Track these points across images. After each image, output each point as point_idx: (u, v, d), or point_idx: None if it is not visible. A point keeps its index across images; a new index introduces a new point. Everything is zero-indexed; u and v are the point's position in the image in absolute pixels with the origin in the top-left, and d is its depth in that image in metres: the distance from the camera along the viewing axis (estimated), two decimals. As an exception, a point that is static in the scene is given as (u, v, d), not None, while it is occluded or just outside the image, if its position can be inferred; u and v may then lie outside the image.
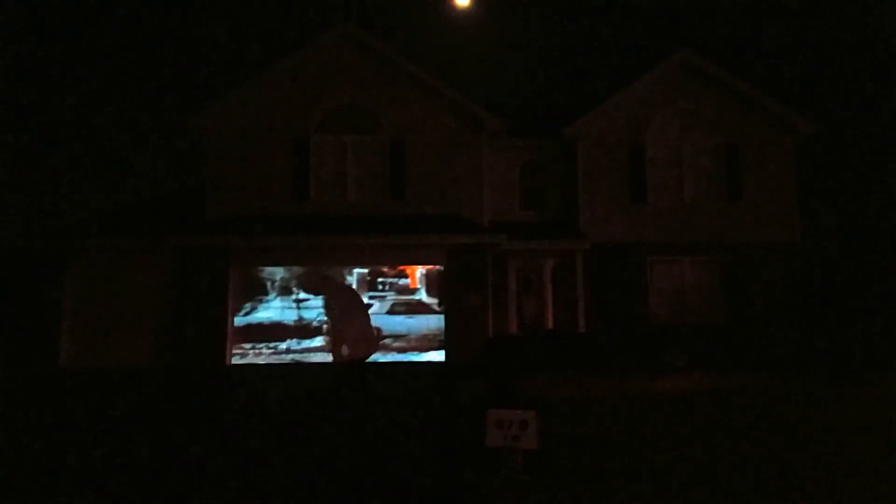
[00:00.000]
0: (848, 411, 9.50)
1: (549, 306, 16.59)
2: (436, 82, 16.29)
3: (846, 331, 16.07)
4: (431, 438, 7.87)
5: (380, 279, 15.78)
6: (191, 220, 15.97)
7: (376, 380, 13.30)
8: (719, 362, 15.27)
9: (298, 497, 5.90)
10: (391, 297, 15.70)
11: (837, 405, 10.04)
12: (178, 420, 9.46)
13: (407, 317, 15.58)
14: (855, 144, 26.80)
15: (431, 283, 15.65)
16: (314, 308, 15.58)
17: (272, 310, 15.58)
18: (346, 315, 15.58)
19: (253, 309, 15.54)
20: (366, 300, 15.68)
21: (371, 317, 15.59)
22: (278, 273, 15.76)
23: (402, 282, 15.81)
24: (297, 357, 15.35)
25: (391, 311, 15.61)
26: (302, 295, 15.62)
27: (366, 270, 15.78)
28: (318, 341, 15.53)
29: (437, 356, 15.22)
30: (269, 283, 15.71)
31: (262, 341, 15.39)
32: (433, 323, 15.47)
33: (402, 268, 15.83)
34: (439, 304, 15.46)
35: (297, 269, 15.81)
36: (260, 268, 15.71)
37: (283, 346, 15.42)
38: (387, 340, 15.52)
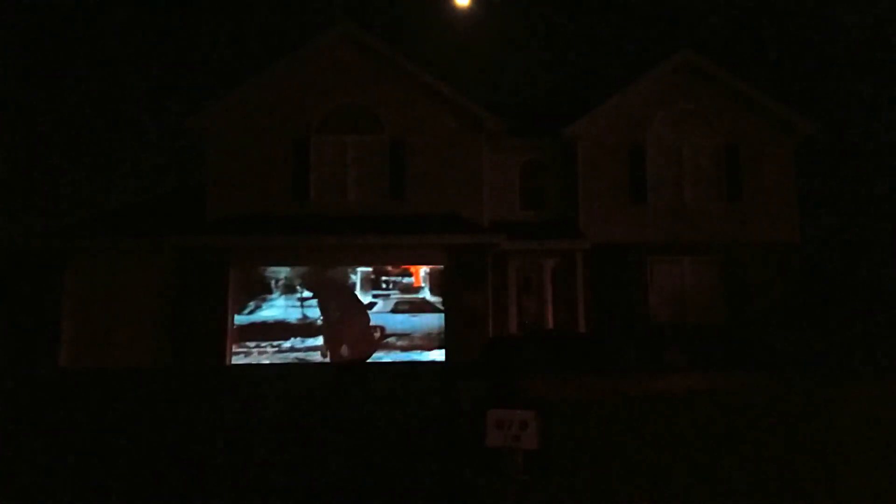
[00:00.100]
0: (848, 411, 9.50)
1: (549, 306, 16.59)
2: (436, 82, 16.29)
3: (846, 331, 16.06)
4: (431, 438, 7.87)
5: (384, 277, 15.80)
6: (191, 220, 15.97)
7: (376, 380, 13.30)
8: (719, 362, 15.25)
9: (298, 497, 5.90)
10: (395, 295, 15.71)
11: (837, 405, 10.04)
12: (178, 420, 9.46)
13: (411, 315, 15.59)
14: (855, 144, 26.81)
15: (435, 282, 15.66)
16: (317, 307, 15.59)
17: (276, 308, 15.60)
18: (347, 316, 15.57)
19: (257, 307, 15.56)
20: (370, 299, 15.69)
21: (375, 315, 15.60)
22: (282, 272, 15.77)
23: (405, 280, 15.82)
24: (300, 356, 15.36)
25: (395, 310, 15.63)
26: (305, 293, 15.63)
27: (370, 269, 15.79)
28: (322, 340, 15.54)
29: (441, 355, 15.22)
30: (272, 282, 15.73)
31: (265, 340, 15.40)
32: (437, 321, 15.48)
33: (406, 266, 15.84)
34: (443, 303, 15.48)
35: (300, 268, 15.81)
36: (261, 267, 15.72)
37: (287, 344, 15.43)
38: (391, 339, 15.52)
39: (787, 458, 6.89)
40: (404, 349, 15.44)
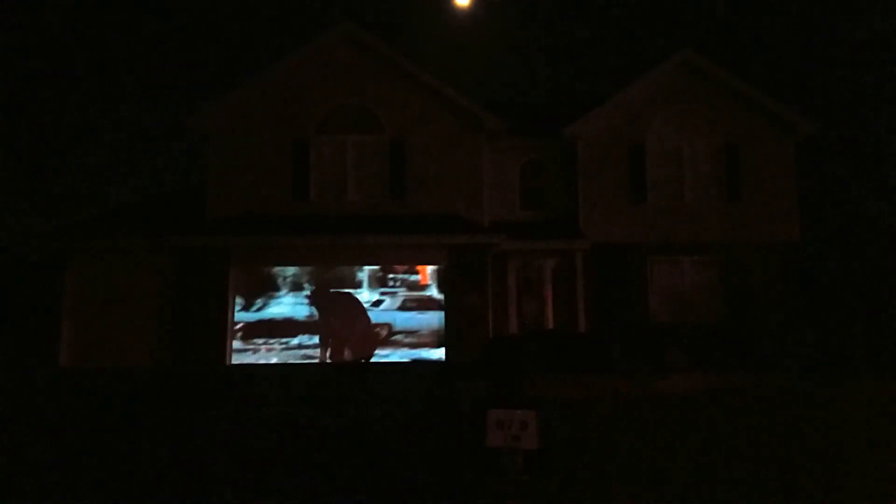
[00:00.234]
0: (848, 411, 9.50)
1: (549, 306, 16.60)
2: (436, 82, 16.29)
3: (846, 331, 16.07)
4: (432, 438, 7.87)
5: (391, 275, 15.84)
6: (191, 220, 15.97)
7: (376, 380, 13.29)
8: (719, 362, 15.26)
9: (298, 497, 5.90)
10: (402, 293, 15.75)
11: (837, 405, 10.04)
12: (178, 420, 9.46)
13: (418, 313, 15.64)
14: (855, 144, 26.80)
15: (442, 280, 15.69)
16: (318, 318, 15.67)
17: (283, 305, 15.64)
18: (347, 320, 15.61)
19: (264, 305, 15.59)
20: (377, 296, 15.71)
21: (382, 313, 15.63)
22: (289, 269, 15.82)
23: (412, 278, 15.86)
24: (308, 352, 15.42)
25: (402, 307, 15.68)
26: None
27: (377, 267, 15.83)
28: (321, 342, 15.59)
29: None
30: (280, 279, 15.78)
31: (273, 336, 15.43)
32: (444, 319, 15.53)
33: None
34: (443, 303, 15.51)
35: (306, 269, 15.85)
36: (265, 266, 15.76)
37: (295, 341, 15.48)
38: (398, 336, 15.56)
39: (787, 457, 6.89)
40: (412, 346, 15.49)
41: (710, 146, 17.19)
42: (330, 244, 15.38)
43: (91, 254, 15.64)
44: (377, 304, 15.70)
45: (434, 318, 15.56)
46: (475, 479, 6.04)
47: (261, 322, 15.54)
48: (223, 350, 15.10)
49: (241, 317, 15.53)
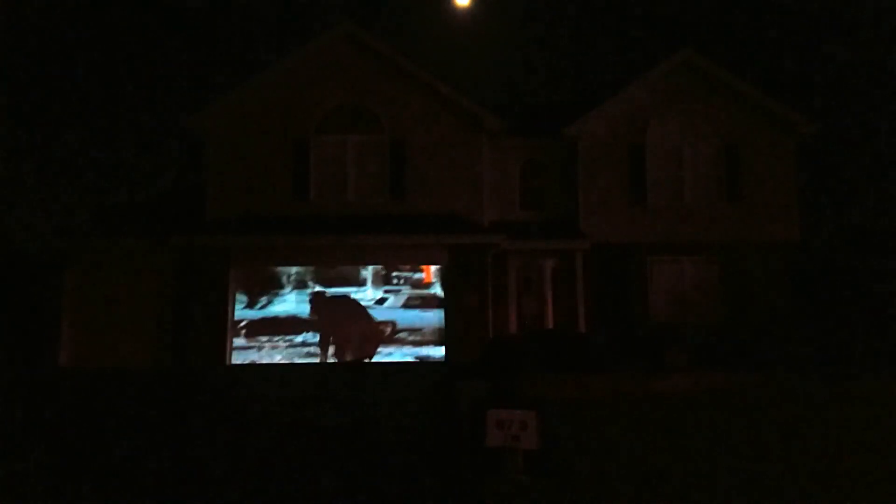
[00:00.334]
0: (848, 411, 9.50)
1: (549, 306, 16.59)
2: (436, 82, 16.29)
3: (846, 330, 16.07)
4: (432, 438, 7.87)
5: (395, 273, 15.86)
6: (191, 220, 15.98)
7: (376, 380, 13.29)
8: (719, 362, 15.25)
9: (298, 497, 5.90)
10: (406, 291, 15.75)
11: (838, 405, 10.04)
12: (178, 421, 9.46)
13: (421, 311, 15.64)
14: (855, 144, 26.81)
15: (443, 280, 15.70)
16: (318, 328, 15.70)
17: (288, 303, 15.66)
18: (347, 324, 15.64)
19: (268, 302, 15.61)
20: (380, 294, 15.72)
21: (386, 311, 15.64)
22: (293, 268, 15.82)
23: (416, 276, 15.89)
24: (312, 350, 15.46)
25: (406, 305, 15.70)
26: (318, 289, 15.68)
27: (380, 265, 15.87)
28: (321, 344, 15.64)
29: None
30: (283, 277, 15.81)
31: (277, 334, 15.45)
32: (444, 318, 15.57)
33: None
34: (444, 303, 15.54)
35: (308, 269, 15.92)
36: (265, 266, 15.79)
37: (299, 339, 15.50)
38: (402, 334, 15.58)
39: (787, 457, 6.89)
40: (415, 344, 15.51)
41: (710, 146, 17.19)
42: (330, 244, 15.38)
43: (91, 254, 15.64)
44: (381, 301, 15.74)
45: (437, 316, 15.60)
46: (475, 479, 6.04)
47: (264, 320, 15.57)
48: (223, 350, 15.11)
49: (245, 314, 15.57)
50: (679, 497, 5.72)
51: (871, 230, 20.40)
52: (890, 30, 32.69)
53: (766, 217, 16.92)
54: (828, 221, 22.32)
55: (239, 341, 15.40)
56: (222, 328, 15.14)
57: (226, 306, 15.19)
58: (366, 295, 15.79)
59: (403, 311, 15.67)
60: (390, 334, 15.62)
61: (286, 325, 15.55)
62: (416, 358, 15.46)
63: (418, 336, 15.57)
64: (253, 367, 15.19)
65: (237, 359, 15.29)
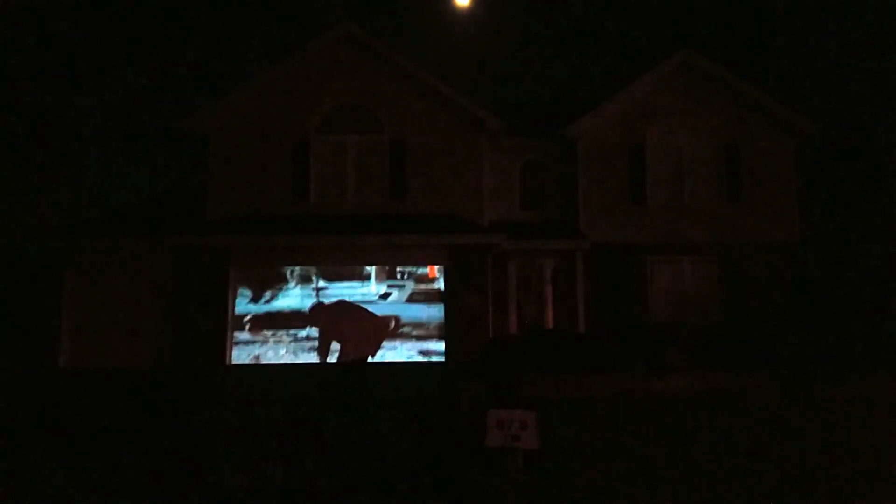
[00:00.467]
0: (848, 410, 9.50)
1: (549, 306, 16.60)
2: (436, 82, 16.29)
3: (846, 330, 16.08)
4: (431, 438, 7.87)
5: (399, 268, 15.88)
6: (191, 220, 15.99)
7: (376, 380, 13.30)
8: (719, 362, 15.28)
9: (298, 497, 5.90)
10: (410, 285, 15.79)
11: (837, 404, 10.04)
12: (178, 421, 9.46)
13: (426, 305, 15.68)
14: (855, 144, 26.81)
15: (445, 279, 15.72)
16: (333, 297, 15.70)
17: (292, 298, 15.69)
18: (346, 328, 15.66)
19: (273, 297, 15.65)
20: (384, 289, 15.75)
21: (390, 305, 15.69)
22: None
23: (420, 271, 15.92)
24: (316, 344, 15.53)
25: (410, 300, 15.74)
26: (321, 283, 15.71)
27: None
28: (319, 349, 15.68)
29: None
30: (288, 272, 15.84)
31: (282, 329, 15.48)
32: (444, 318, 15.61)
33: None
34: (444, 303, 15.57)
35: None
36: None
37: (303, 333, 15.54)
38: (406, 329, 15.61)
39: (787, 457, 6.89)
40: (419, 338, 15.53)
41: (710, 146, 17.20)
42: (330, 244, 15.40)
43: (91, 254, 15.65)
44: (385, 296, 15.78)
45: (441, 311, 15.65)
46: (475, 479, 6.04)
47: (269, 314, 15.61)
48: (223, 350, 15.12)
49: (249, 309, 15.60)
50: (679, 497, 5.72)
51: (870, 230, 20.40)
52: (890, 30, 32.69)
53: (766, 217, 16.93)
54: (828, 221, 22.33)
55: (243, 336, 15.47)
56: (222, 328, 15.16)
57: (226, 306, 15.21)
58: (369, 290, 15.82)
59: (407, 306, 15.72)
60: (394, 329, 15.67)
61: (291, 320, 15.59)
62: (420, 352, 15.52)
63: (422, 331, 15.61)
64: (253, 367, 15.20)
65: (241, 353, 15.36)
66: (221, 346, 15.12)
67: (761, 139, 17.18)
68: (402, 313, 15.73)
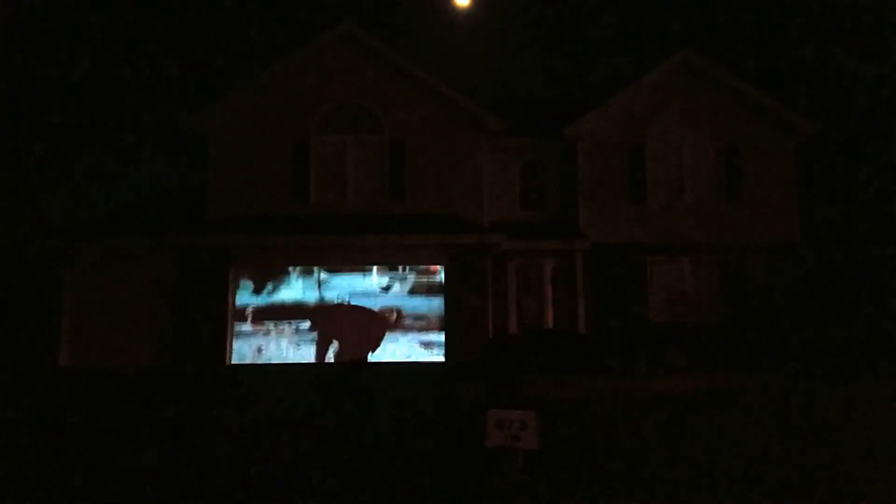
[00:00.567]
0: (848, 410, 9.50)
1: (549, 306, 16.60)
2: (436, 82, 16.29)
3: (846, 330, 16.07)
4: (432, 438, 7.87)
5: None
6: (191, 220, 15.98)
7: (376, 380, 13.30)
8: (719, 362, 15.25)
9: (298, 497, 5.90)
10: (412, 278, 15.82)
11: (838, 405, 10.04)
12: (178, 420, 9.46)
13: (428, 297, 15.70)
14: (855, 144, 26.81)
15: (444, 278, 15.73)
16: (336, 288, 15.75)
17: (294, 289, 15.72)
18: (345, 329, 15.68)
19: (275, 289, 15.68)
20: (386, 281, 15.79)
21: (392, 297, 15.72)
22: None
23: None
24: (317, 336, 15.59)
25: (412, 292, 15.77)
26: (324, 275, 15.75)
27: None
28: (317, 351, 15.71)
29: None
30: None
31: (284, 320, 15.51)
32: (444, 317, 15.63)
33: None
34: (444, 303, 15.60)
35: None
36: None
37: (305, 325, 15.57)
38: (408, 321, 15.65)
39: (787, 457, 6.89)
40: (420, 330, 15.57)
41: (709, 146, 17.19)
42: (330, 244, 15.40)
43: (91, 254, 15.64)
44: (387, 288, 15.82)
45: (442, 304, 15.66)
46: (475, 479, 6.04)
47: (271, 306, 15.64)
48: (223, 350, 15.12)
49: (251, 300, 15.62)
50: (679, 497, 5.72)
51: (870, 230, 20.40)
52: (890, 30, 32.70)
53: (766, 217, 16.93)
54: (827, 221, 22.33)
55: (245, 327, 15.51)
56: (222, 328, 15.16)
57: (226, 307, 15.21)
58: (371, 282, 15.84)
59: (409, 298, 15.75)
60: (396, 320, 15.69)
61: (292, 312, 15.62)
62: (421, 343, 15.56)
63: (424, 322, 15.64)
64: (253, 367, 15.20)
65: (242, 345, 15.40)
66: (222, 346, 15.11)
67: (761, 139, 17.17)
68: (404, 305, 15.77)
